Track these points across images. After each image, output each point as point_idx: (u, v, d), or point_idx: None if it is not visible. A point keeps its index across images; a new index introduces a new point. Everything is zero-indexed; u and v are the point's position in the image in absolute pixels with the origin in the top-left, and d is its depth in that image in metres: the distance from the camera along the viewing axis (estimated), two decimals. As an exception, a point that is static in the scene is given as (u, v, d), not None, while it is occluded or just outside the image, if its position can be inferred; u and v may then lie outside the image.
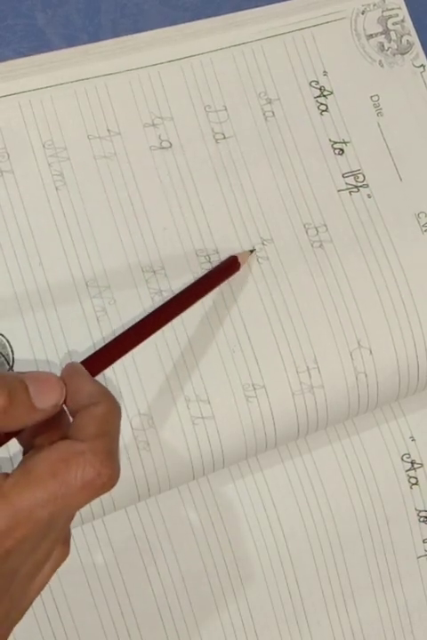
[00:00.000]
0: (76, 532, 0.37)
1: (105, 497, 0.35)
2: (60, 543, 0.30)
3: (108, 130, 0.40)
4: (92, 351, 0.37)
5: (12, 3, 0.42)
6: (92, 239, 0.39)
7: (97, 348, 0.37)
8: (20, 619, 0.30)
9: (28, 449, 0.30)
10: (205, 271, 0.39)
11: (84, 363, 0.32)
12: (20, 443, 0.31)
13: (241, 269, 0.39)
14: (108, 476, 0.27)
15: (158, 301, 0.38)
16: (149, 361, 0.37)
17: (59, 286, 0.38)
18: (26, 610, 0.30)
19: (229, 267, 0.38)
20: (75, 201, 0.39)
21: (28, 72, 0.40)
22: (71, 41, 0.41)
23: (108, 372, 0.37)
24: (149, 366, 0.37)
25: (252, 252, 0.39)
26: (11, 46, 0.41)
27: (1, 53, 0.40)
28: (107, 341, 0.37)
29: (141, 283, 0.38)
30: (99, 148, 0.40)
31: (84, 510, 0.35)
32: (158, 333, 0.37)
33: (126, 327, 0.37)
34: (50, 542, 0.28)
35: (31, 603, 0.30)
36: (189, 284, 0.38)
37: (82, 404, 0.29)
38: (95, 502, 0.35)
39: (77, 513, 0.35)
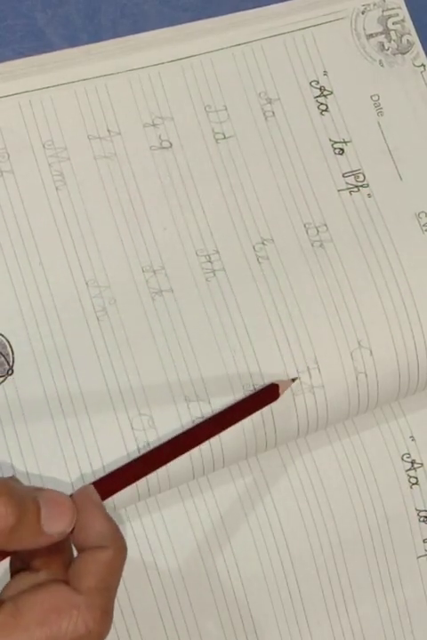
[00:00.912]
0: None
1: (105, 497, 0.35)
2: None
3: (109, 130, 0.40)
4: (91, 350, 0.37)
5: (12, 3, 0.42)
6: (92, 239, 0.39)
7: (96, 347, 0.37)
8: None
9: (19, 565, 0.29)
10: (204, 271, 0.39)
11: (101, 481, 0.31)
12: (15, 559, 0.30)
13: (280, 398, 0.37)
14: (98, 634, 0.26)
15: (159, 301, 0.38)
16: (148, 361, 0.37)
17: (59, 286, 0.38)
18: None
19: (267, 394, 0.37)
20: (75, 201, 0.39)
21: (28, 72, 0.40)
22: (71, 41, 0.41)
23: (107, 373, 0.37)
24: (148, 366, 0.37)
25: (294, 380, 0.37)
26: (11, 46, 0.41)
27: (1, 53, 0.40)
28: (106, 341, 0.37)
29: (141, 283, 0.38)
30: (99, 148, 0.40)
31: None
32: (159, 333, 0.38)
33: (127, 327, 0.37)
34: None
35: None
36: (223, 409, 0.36)
37: (89, 543, 0.28)
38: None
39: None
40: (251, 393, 0.37)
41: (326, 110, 0.42)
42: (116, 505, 0.36)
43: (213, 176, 0.40)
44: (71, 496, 0.31)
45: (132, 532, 0.38)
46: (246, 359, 0.38)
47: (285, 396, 0.37)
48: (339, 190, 0.41)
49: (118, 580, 0.28)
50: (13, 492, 0.27)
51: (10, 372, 0.37)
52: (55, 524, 0.28)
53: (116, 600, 0.38)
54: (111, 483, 0.33)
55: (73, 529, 0.29)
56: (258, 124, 0.42)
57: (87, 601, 0.26)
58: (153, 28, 0.42)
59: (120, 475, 0.33)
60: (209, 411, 0.37)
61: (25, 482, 0.35)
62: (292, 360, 0.38)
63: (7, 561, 0.30)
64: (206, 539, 0.39)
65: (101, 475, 0.35)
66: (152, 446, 0.35)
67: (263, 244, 0.40)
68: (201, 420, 0.36)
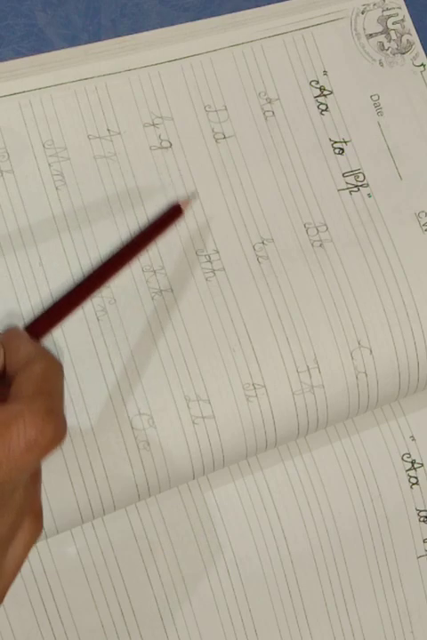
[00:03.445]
0: (77, 531, 0.38)
1: (105, 497, 0.35)
2: (29, 516, 0.29)
3: (109, 130, 0.40)
4: (91, 350, 0.37)
5: (11, 3, 0.42)
6: (92, 239, 0.39)
7: (96, 346, 0.37)
8: None
9: None
10: (204, 271, 0.39)
11: (28, 328, 0.31)
12: None
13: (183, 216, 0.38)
14: (53, 432, 0.26)
15: (159, 301, 0.38)
16: (149, 361, 0.37)
17: (59, 286, 0.38)
18: (2, 594, 0.29)
19: (172, 214, 0.38)
20: (75, 201, 0.39)
21: (28, 72, 0.40)
22: (71, 41, 0.41)
23: (107, 373, 0.37)
24: (149, 366, 0.37)
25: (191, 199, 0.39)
26: (11, 46, 0.41)
27: (1, 53, 0.40)
28: (106, 341, 0.37)
29: (141, 282, 0.38)
30: (99, 147, 0.40)
31: (85, 510, 0.35)
32: (159, 333, 0.38)
33: (127, 327, 0.37)
34: (13, 514, 0.28)
35: (8, 585, 0.29)
36: (131, 237, 0.37)
37: (20, 365, 0.28)
38: (95, 502, 0.35)
39: (77, 512, 0.35)
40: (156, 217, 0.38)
41: (325, 110, 0.42)
42: (116, 505, 0.36)
43: (212, 176, 0.40)
44: None
45: (133, 532, 0.38)
46: (246, 359, 0.38)
47: (284, 396, 0.37)
48: (339, 190, 0.41)
49: (59, 387, 0.29)
50: None
51: None
52: None
53: (116, 600, 0.38)
54: (42, 324, 0.33)
55: (4, 366, 0.29)
56: (258, 123, 0.42)
57: (29, 406, 0.26)
58: (153, 28, 0.42)
59: (49, 314, 0.33)
60: (209, 410, 0.37)
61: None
62: (292, 359, 0.38)
63: None
64: (206, 538, 0.39)
65: (101, 476, 0.35)
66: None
67: (263, 243, 0.40)
68: (118, 249, 0.36)
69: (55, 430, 0.26)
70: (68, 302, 0.33)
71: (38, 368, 0.28)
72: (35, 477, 0.30)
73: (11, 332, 0.31)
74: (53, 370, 0.29)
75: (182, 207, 0.38)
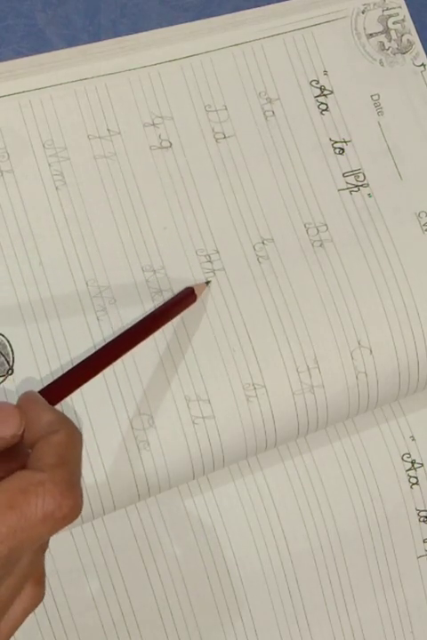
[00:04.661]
0: (77, 531, 0.38)
1: (105, 497, 0.36)
2: (32, 583, 0.29)
3: (109, 129, 0.40)
4: (91, 351, 0.37)
5: (12, 3, 0.42)
6: (92, 239, 0.39)
7: (97, 347, 0.37)
8: None
9: None
10: (204, 271, 0.39)
11: (43, 392, 0.31)
12: None
13: (197, 302, 0.38)
14: (70, 507, 0.26)
15: (159, 301, 0.38)
16: (149, 361, 0.37)
17: (59, 286, 0.38)
18: None
19: (185, 298, 0.38)
20: (75, 201, 0.39)
21: (28, 72, 0.40)
22: (71, 41, 0.41)
23: (107, 373, 0.37)
24: (149, 366, 0.37)
25: (208, 283, 0.39)
26: (11, 46, 0.41)
27: (1, 53, 0.40)
28: (106, 340, 0.37)
29: (141, 282, 0.38)
30: (99, 147, 0.40)
31: (85, 510, 0.35)
32: (159, 332, 0.38)
33: (126, 326, 0.37)
34: (16, 579, 0.27)
35: None
36: (145, 315, 0.37)
37: (40, 433, 0.28)
38: (95, 501, 0.35)
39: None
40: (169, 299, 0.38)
41: (326, 110, 0.42)
42: (116, 505, 0.36)
43: (213, 176, 0.40)
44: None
45: (133, 532, 0.38)
46: (246, 359, 0.38)
47: (284, 396, 0.37)
48: (339, 190, 0.41)
49: (79, 457, 0.28)
50: None
51: (10, 371, 0.37)
52: (4, 428, 0.28)
53: (116, 600, 0.38)
54: (56, 390, 0.32)
55: (23, 432, 0.29)
56: (258, 123, 0.41)
57: (51, 476, 0.26)
58: (153, 28, 0.42)
59: (64, 381, 0.33)
60: (209, 410, 0.37)
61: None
62: (292, 359, 0.38)
63: None
64: (206, 538, 0.39)
65: (101, 476, 0.35)
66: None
67: (263, 243, 0.40)
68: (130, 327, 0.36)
69: (73, 505, 0.26)
70: (82, 371, 0.33)
71: (59, 438, 0.28)
72: (43, 545, 0.29)
73: (29, 397, 0.30)
74: (75, 440, 0.28)
75: (196, 292, 0.38)
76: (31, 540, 0.26)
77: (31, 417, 0.29)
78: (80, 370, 0.33)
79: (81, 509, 0.27)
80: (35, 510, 0.25)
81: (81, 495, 0.27)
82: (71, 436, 0.28)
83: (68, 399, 0.36)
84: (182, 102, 0.41)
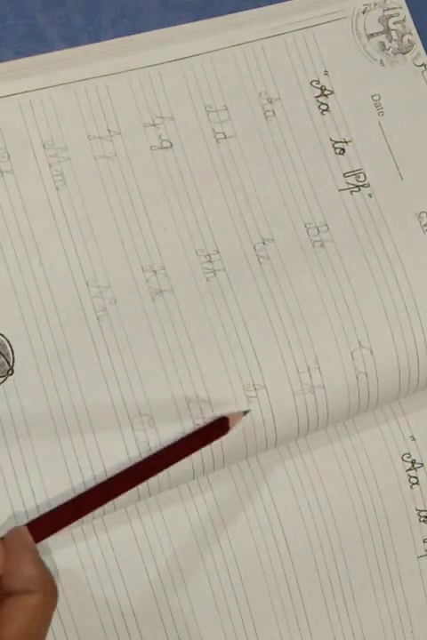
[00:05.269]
0: (76, 531, 0.38)
1: (105, 497, 0.36)
2: None
3: (109, 130, 0.40)
4: (91, 350, 0.37)
5: (11, 3, 0.42)
6: (93, 239, 0.39)
7: (97, 346, 0.37)
8: None
9: None
10: (204, 271, 0.39)
11: (36, 522, 0.31)
12: None
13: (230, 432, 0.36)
14: None
15: (159, 301, 0.38)
16: (149, 361, 0.37)
17: (59, 286, 0.38)
18: None
19: (217, 427, 0.36)
20: (75, 201, 0.39)
21: (28, 72, 0.40)
22: (71, 41, 0.41)
23: (107, 373, 0.37)
24: (149, 366, 0.37)
25: (246, 413, 0.37)
26: (11, 46, 0.41)
27: (1, 53, 0.40)
28: (106, 341, 0.37)
29: (142, 282, 0.38)
30: (99, 148, 0.40)
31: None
32: (159, 333, 0.38)
33: (127, 327, 0.37)
34: None
35: None
36: (170, 444, 0.36)
37: (17, 587, 0.28)
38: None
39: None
40: (200, 427, 0.36)
41: (326, 110, 0.42)
42: (116, 505, 0.36)
43: (213, 176, 0.40)
44: (2, 538, 0.31)
45: (133, 532, 0.38)
46: (247, 359, 0.38)
47: (285, 396, 0.37)
48: (340, 190, 0.41)
49: (46, 628, 0.28)
50: None
51: (10, 371, 0.37)
52: None
53: (116, 600, 0.38)
54: (46, 524, 0.32)
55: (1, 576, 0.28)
56: (258, 123, 0.41)
57: None
58: (153, 28, 0.42)
59: (56, 515, 0.32)
60: (209, 410, 0.37)
61: (24, 479, 0.35)
62: (292, 360, 0.38)
63: None
64: (206, 538, 0.39)
65: (102, 476, 0.35)
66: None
67: (264, 243, 0.40)
68: (148, 456, 0.35)
69: None
70: (82, 505, 0.33)
71: (35, 603, 0.28)
72: None
73: (17, 539, 0.30)
74: (48, 608, 0.28)
75: (230, 424, 0.36)
76: None
77: (13, 563, 0.29)
78: (78, 502, 0.33)
79: None
80: None
81: None
82: (46, 603, 0.28)
83: (67, 398, 0.36)
84: (183, 102, 0.41)
